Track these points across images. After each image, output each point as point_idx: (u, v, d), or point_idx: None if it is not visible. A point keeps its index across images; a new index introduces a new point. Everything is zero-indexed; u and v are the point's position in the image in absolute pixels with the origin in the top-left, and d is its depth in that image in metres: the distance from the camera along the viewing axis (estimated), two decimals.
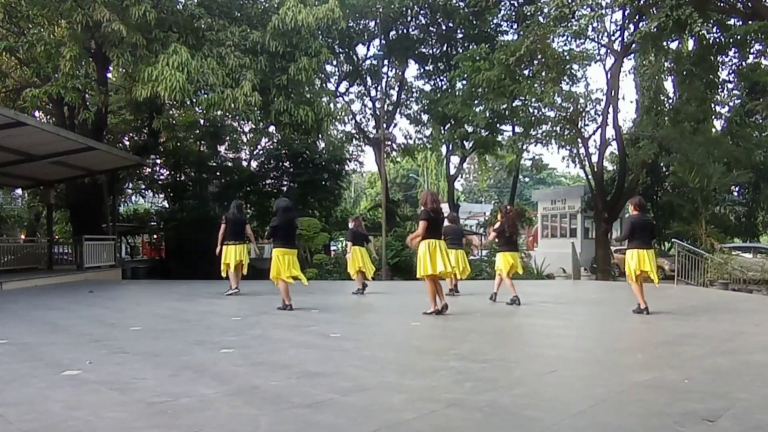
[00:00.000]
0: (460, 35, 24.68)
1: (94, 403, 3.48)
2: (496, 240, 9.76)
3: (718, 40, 18.43)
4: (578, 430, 3.08)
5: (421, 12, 24.24)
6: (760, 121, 22.40)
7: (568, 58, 19.26)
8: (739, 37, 17.48)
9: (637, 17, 18.35)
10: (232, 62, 16.20)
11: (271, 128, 23.36)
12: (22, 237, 25.92)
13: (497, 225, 9.70)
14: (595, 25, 18.06)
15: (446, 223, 11.71)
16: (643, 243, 8.11)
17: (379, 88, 25.74)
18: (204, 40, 16.67)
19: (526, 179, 49.50)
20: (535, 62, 19.03)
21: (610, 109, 19.07)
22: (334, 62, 24.98)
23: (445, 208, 31.45)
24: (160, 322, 7.40)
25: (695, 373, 4.40)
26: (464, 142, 25.11)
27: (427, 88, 26.65)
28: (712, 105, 21.27)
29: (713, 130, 22.01)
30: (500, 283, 9.61)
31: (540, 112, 20.61)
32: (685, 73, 19.52)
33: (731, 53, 19.34)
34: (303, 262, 19.01)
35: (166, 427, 3.08)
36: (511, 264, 9.35)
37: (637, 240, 8.11)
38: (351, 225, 11.72)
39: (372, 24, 24.00)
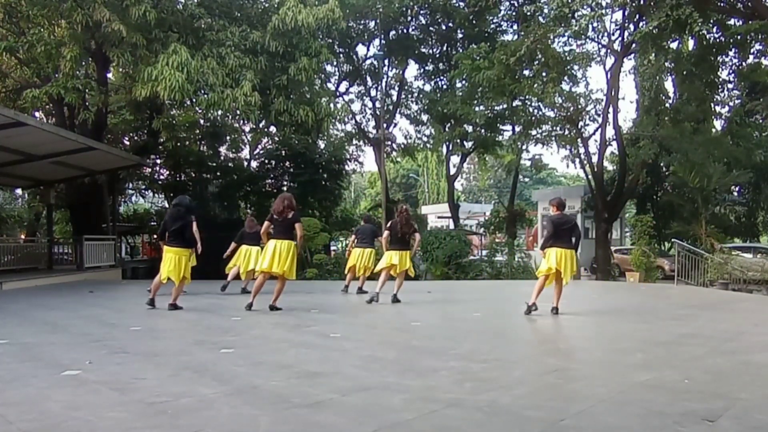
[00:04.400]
0: (460, 35, 24.66)
1: (94, 403, 3.48)
2: (389, 239, 9.28)
3: (718, 40, 18.41)
4: (578, 430, 3.08)
5: (421, 12, 24.23)
6: (760, 121, 22.39)
7: (568, 58, 19.25)
8: (739, 37, 17.47)
9: (637, 17, 18.34)
10: (232, 62, 16.19)
11: (271, 128, 23.36)
12: (22, 237, 25.90)
13: (389, 223, 9.46)
14: (595, 25, 18.05)
15: (362, 222, 11.79)
16: (564, 242, 7.82)
17: (379, 88, 25.72)
18: (204, 40, 16.67)
19: (526, 179, 49.47)
20: (535, 62, 19.02)
21: (610, 109, 19.05)
22: (334, 62, 24.95)
23: (445, 207, 31.30)
24: (160, 322, 7.40)
25: (695, 373, 4.40)
26: (464, 141, 25.10)
27: (427, 88, 26.66)
28: (712, 105, 21.25)
29: (713, 130, 21.99)
30: (399, 283, 9.34)
31: (540, 112, 20.60)
32: (685, 73, 19.49)
33: (731, 53, 19.33)
34: (303, 261, 19.05)
35: (166, 427, 3.08)
36: (393, 264, 9.07)
37: (558, 239, 7.84)
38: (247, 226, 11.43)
39: (372, 24, 23.98)
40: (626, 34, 18.68)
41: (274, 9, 18.07)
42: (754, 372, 4.57)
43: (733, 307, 9.31)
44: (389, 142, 27.11)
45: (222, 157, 24.86)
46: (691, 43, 20.45)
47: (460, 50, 22.94)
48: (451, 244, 19.23)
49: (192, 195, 23.48)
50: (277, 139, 24.21)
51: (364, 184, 53.47)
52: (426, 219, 31.18)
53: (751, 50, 18.84)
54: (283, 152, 23.31)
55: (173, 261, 8.13)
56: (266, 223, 8.15)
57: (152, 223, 26.16)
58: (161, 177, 25.52)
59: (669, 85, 22.83)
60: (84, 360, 4.70)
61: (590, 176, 20.95)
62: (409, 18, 24.56)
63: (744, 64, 19.55)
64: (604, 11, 17.40)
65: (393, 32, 24.79)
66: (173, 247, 8.17)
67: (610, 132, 19.70)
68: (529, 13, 17.82)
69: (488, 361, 4.89)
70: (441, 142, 25.52)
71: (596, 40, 19.39)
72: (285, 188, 24.05)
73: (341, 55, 25.43)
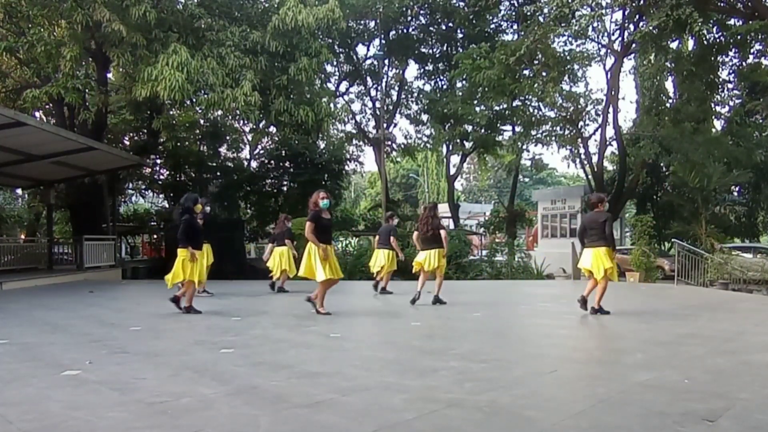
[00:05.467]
0: (460, 35, 24.69)
1: (94, 403, 3.48)
2: (419, 238, 9.21)
3: (718, 40, 18.44)
4: (578, 430, 3.08)
5: (421, 12, 24.25)
6: (760, 121, 22.39)
7: (568, 58, 19.27)
8: (739, 37, 17.50)
9: (637, 17, 18.37)
10: (232, 62, 16.20)
11: (271, 128, 23.36)
12: (22, 237, 25.89)
13: (417, 224, 9.50)
14: (595, 25, 18.09)
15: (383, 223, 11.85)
16: (592, 241, 7.82)
17: (379, 88, 25.74)
18: (204, 40, 16.68)
19: (526, 179, 49.52)
20: (536, 62, 19.04)
21: (610, 109, 19.09)
22: (334, 62, 24.99)
23: (445, 207, 31.34)
24: (160, 322, 7.40)
25: (695, 373, 4.40)
26: (464, 141, 25.12)
27: (427, 88, 26.69)
28: (712, 105, 21.28)
29: (713, 130, 22.01)
30: (439, 283, 9.17)
31: (540, 112, 20.64)
32: (685, 73, 19.52)
33: (731, 53, 19.35)
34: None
35: (166, 427, 3.08)
36: (420, 262, 8.96)
37: (586, 238, 7.91)
38: (288, 224, 11.70)
39: (372, 24, 24.01)
40: (626, 34, 18.71)
41: (274, 9, 18.08)
42: (754, 372, 4.56)
43: (733, 307, 9.31)
44: (389, 142, 27.13)
45: (222, 157, 24.86)
46: (691, 43, 20.47)
47: (460, 50, 22.97)
48: (451, 244, 19.22)
49: None
50: (277, 139, 24.22)
51: (364, 184, 53.46)
52: None
53: (751, 50, 18.88)
54: (283, 152, 23.31)
55: (176, 263, 7.99)
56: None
57: (152, 223, 26.16)
58: (161, 177, 25.52)
59: (669, 85, 22.86)
60: (84, 360, 4.70)
61: (590, 176, 20.98)
62: (409, 18, 24.58)
63: (744, 64, 19.58)
64: (604, 11, 17.44)
65: (393, 32, 24.81)
66: (178, 248, 8.06)
67: (610, 132, 19.75)
68: (529, 13, 17.85)
69: (488, 361, 4.88)
70: (441, 142, 25.53)
71: (596, 40, 19.43)
72: (285, 188, 24.11)
73: (341, 55, 25.46)
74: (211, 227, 19.69)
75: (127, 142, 23.90)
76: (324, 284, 7.71)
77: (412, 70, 45.01)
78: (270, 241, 11.86)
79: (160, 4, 15.97)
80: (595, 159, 20.57)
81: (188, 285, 8.04)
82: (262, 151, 26.04)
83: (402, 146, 28.84)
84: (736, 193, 24.93)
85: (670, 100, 22.35)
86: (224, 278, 15.30)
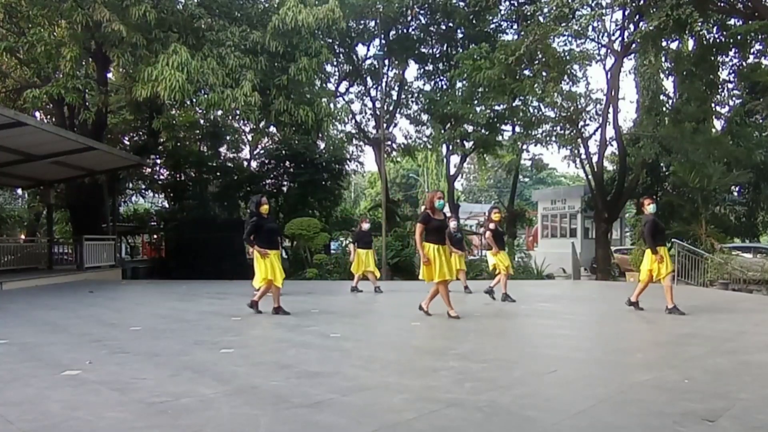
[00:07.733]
0: (460, 35, 24.66)
1: (94, 403, 3.49)
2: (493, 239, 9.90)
3: (718, 40, 18.43)
4: (578, 430, 3.08)
5: (421, 12, 24.22)
6: (760, 121, 22.37)
7: (568, 57, 19.25)
8: (739, 37, 17.48)
9: (637, 17, 18.35)
10: (232, 62, 16.20)
11: (272, 128, 23.35)
12: (22, 237, 25.89)
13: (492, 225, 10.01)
14: (595, 24, 18.08)
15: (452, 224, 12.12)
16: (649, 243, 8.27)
17: (379, 88, 25.72)
18: (204, 40, 16.68)
19: (526, 179, 49.49)
20: (536, 62, 19.03)
21: (610, 109, 19.07)
22: (334, 62, 24.96)
23: (445, 207, 31.23)
24: (160, 322, 7.41)
25: (695, 373, 4.40)
26: (464, 141, 25.11)
27: (427, 88, 26.65)
28: (712, 105, 21.25)
29: (713, 130, 21.99)
30: (500, 281, 9.95)
31: (540, 112, 20.62)
32: (685, 73, 19.51)
33: (731, 53, 19.34)
34: (303, 261, 19.06)
35: (166, 427, 3.08)
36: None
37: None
38: (366, 226, 11.97)
39: (372, 24, 23.98)
40: (626, 34, 18.69)
41: (274, 9, 18.07)
42: (754, 372, 4.57)
43: (733, 307, 9.31)
44: (389, 142, 27.10)
45: (222, 157, 24.85)
46: (691, 43, 20.46)
47: (460, 50, 22.94)
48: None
49: (192, 195, 23.50)
50: (277, 139, 24.21)
51: (364, 184, 53.43)
52: None
53: (751, 50, 18.85)
54: (283, 152, 23.31)
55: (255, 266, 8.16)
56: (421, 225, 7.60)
57: (152, 223, 26.15)
58: (161, 177, 25.52)
59: (669, 85, 22.84)
60: (84, 360, 4.70)
61: (590, 176, 20.96)
62: (409, 18, 24.54)
63: (744, 64, 19.55)
64: (604, 11, 17.43)
65: (393, 32, 24.79)
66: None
67: (610, 132, 19.73)
68: (529, 13, 17.84)
69: (488, 361, 4.89)
70: (441, 142, 25.50)
71: (596, 40, 19.41)
72: (285, 188, 24.09)
73: (341, 55, 25.43)
74: (210, 227, 19.67)
75: (127, 142, 23.90)
76: (438, 286, 7.58)
77: (412, 70, 45.03)
78: (352, 242, 12.21)
79: (160, 4, 15.97)
80: (595, 159, 20.55)
81: (267, 285, 8.03)
82: (262, 151, 26.03)
83: (402, 146, 28.81)
84: (736, 193, 24.89)
85: (670, 100, 22.33)
86: (224, 278, 15.30)
